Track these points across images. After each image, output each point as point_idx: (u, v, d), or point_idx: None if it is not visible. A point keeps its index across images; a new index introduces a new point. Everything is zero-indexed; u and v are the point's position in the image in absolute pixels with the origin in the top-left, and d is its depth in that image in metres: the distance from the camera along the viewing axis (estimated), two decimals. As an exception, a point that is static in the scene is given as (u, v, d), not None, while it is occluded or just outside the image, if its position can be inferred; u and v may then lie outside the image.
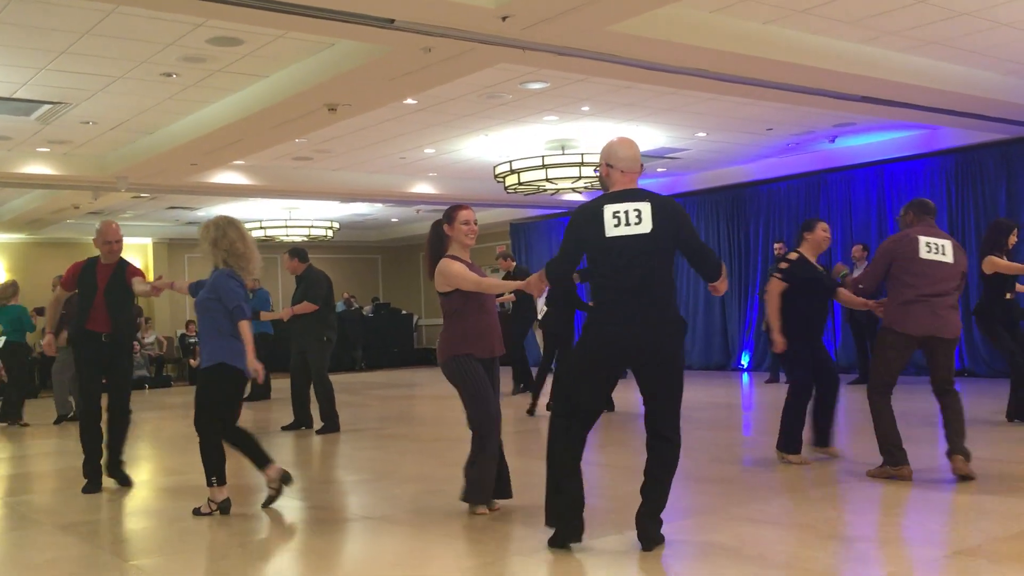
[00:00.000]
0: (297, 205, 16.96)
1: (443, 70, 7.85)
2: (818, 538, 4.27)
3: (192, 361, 17.11)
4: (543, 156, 12.12)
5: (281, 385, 12.83)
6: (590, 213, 4.01)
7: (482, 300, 4.84)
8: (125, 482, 6.26)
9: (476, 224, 4.92)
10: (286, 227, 17.79)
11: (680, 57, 7.72)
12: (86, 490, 6.08)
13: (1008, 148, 11.75)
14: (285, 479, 5.30)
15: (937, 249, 5.47)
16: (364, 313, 20.73)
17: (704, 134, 12.01)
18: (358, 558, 4.44)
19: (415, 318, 22.16)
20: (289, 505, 5.50)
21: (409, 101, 9.61)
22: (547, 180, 12.16)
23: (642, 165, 4.19)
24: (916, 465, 5.64)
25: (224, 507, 5.18)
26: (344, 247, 21.90)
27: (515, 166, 12.28)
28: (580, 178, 12.12)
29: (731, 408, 10.38)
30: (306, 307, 8.84)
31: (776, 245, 12.60)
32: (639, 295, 3.91)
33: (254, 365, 5.13)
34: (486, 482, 4.85)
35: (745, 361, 14.86)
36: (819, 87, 8.90)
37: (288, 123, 9.57)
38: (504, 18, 6.45)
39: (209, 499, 5.19)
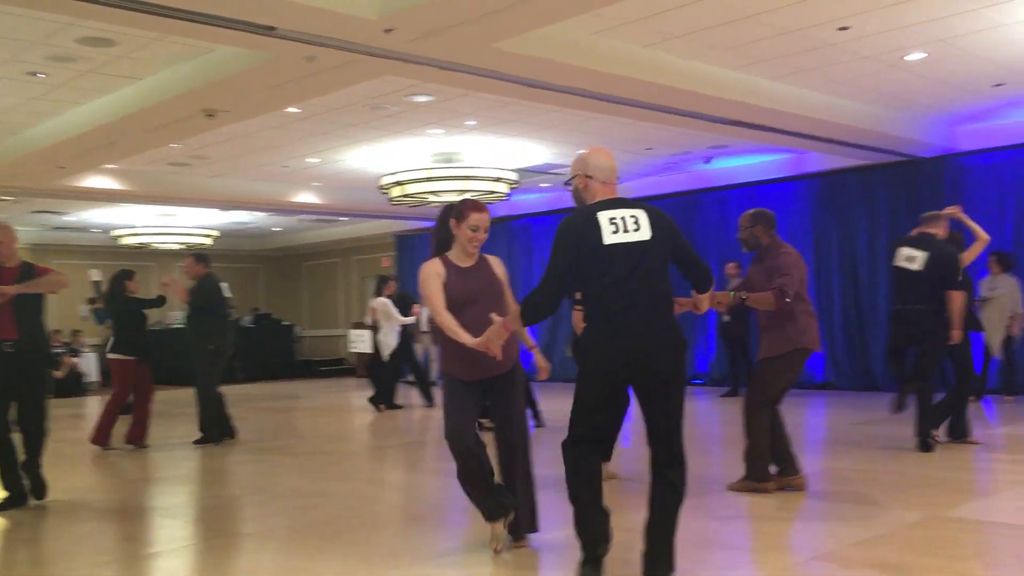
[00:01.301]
0: (174, 212, 16.43)
1: (327, 80, 7.77)
2: (684, 547, 4.41)
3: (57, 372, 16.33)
4: (428, 169, 12.14)
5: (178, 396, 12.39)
6: (583, 220, 3.69)
7: (471, 318, 4.15)
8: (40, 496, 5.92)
9: (487, 232, 4.29)
10: (161, 234, 17.23)
11: (562, 76, 7.88)
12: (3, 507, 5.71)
13: (870, 173, 12.44)
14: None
15: None
16: (243, 324, 20.21)
17: (586, 151, 12.25)
18: (234, 574, 4.35)
19: (296, 329, 21.77)
20: (162, 523, 5.33)
21: (292, 109, 9.47)
22: (432, 193, 12.18)
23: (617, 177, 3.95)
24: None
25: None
26: (224, 256, 21.30)
27: (400, 178, 12.26)
28: (465, 191, 12.19)
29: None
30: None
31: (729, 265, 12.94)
32: (644, 305, 3.63)
33: None
34: (474, 498, 4.30)
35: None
36: (695, 110, 9.23)
37: (163, 128, 9.29)
38: (388, 31, 6.45)
39: None
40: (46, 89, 8.53)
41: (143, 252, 19.24)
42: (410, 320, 11.59)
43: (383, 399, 11.72)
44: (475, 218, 4.25)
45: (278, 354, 20.46)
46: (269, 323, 20.83)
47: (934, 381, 7.10)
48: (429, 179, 12.04)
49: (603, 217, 3.68)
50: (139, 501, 6.25)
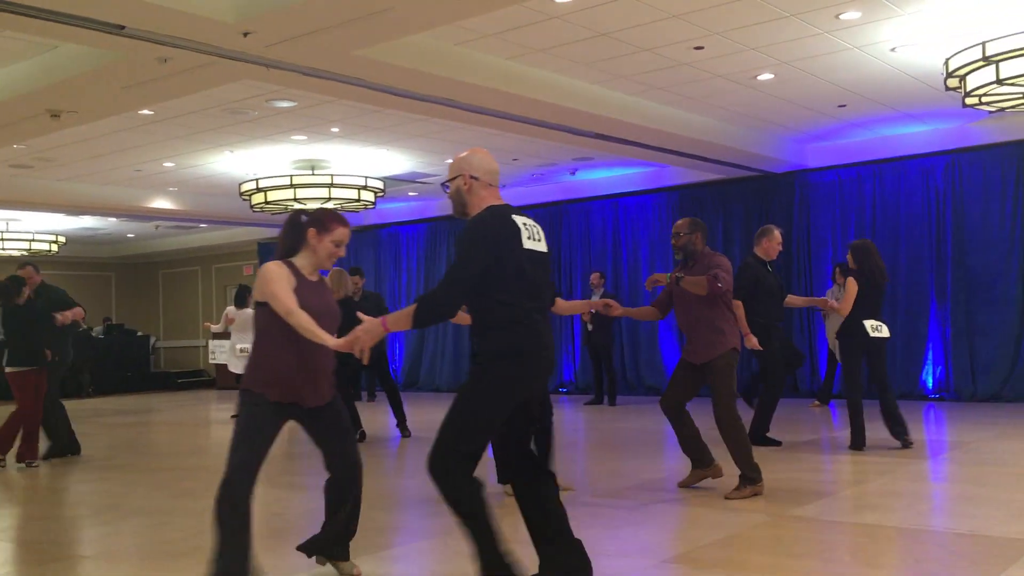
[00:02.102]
0: (17, 216, 15.50)
1: (182, 82, 7.51)
2: (532, 551, 4.45)
3: None
4: (291, 175, 11.89)
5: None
6: (501, 221, 3.48)
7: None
8: None
9: (345, 250, 3.94)
10: (2, 239, 16.23)
11: (427, 85, 7.87)
12: None
13: (726, 187, 12.95)
14: None
15: None
16: (94, 334, 19.24)
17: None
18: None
19: (152, 340, 20.89)
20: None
21: (145, 112, 9.10)
22: (295, 200, 11.94)
23: None
24: (641, 478, 6.05)
25: None
26: (73, 263, 20.24)
27: (262, 184, 11.97)
28: (330, 199, 12.00)
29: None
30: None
31: None
32: (544, 317, 3.56)
33: None
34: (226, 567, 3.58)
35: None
36: (558, 122, 9.39)
37: (4, 127, 8.76)
38: (246, 34, 6.29)
39: None
40: None
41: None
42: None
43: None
44: (340, 232, 3.87)
45: (132, 366, 19.58)
46: (122, 333, 19.90)
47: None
48: (292, 186, 11.81)
49: (519, 220, 3.51)
50: (-30, 526, 5.84)
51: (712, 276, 5.60)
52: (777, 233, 7.67)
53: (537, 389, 3.75)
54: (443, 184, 3.76)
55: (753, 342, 7.20)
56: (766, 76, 8.71)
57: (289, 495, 6.41)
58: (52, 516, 6.15)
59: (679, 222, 5.93)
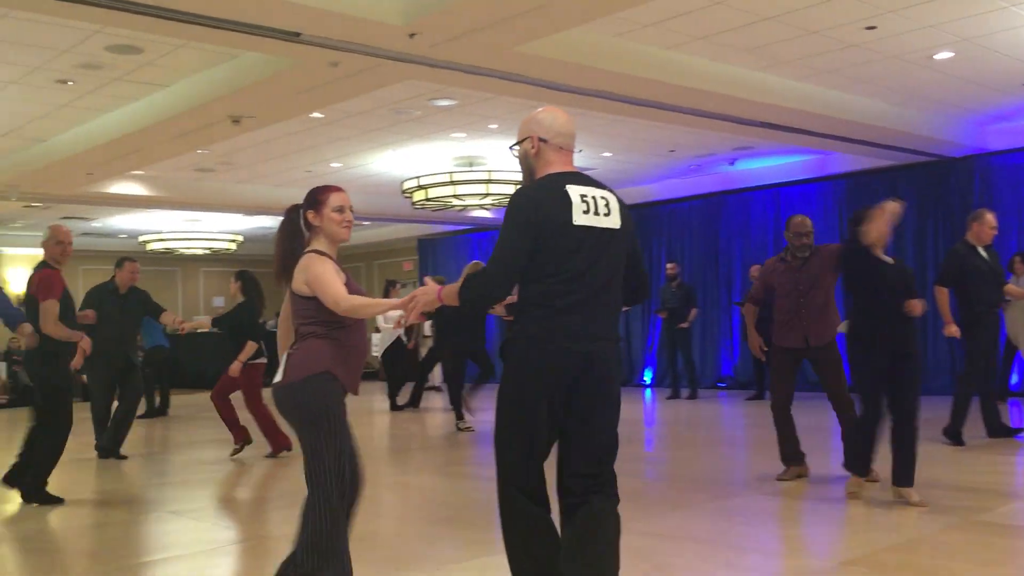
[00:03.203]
0: (199, 217, 16.57)
1: (350, 85, 7.81)
2: (712, 550, 4.39)
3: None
4: (451, 172, 12.16)
5: (176, 401, 12.54)
6: (547, 193, 3.06)
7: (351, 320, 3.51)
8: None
9: (352, 212, 3.67)
10: (187, 239, 17.38)
11: (585, 79, 7.86)
12: None
13: (895, 174, 12.32)
14: None
15: None
16: (268, 328, 20.32)
17: (610, 154, 12.24)
18: (256, 579, 4.36)
19: (320, 333, 21.86)
20: (186, 526, 5.36)
21: (316, 115, 9.53)
22: (455, 196, 12.21)
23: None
24: (808, 476, 5.87)
25: None
26: (249, 261, 21.42)
27: (423, 182, 12.29)
28: (488, 195, 12.20)
29: (634, 423, 10.56)
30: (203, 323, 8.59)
31: (668, 265, 12.94)
32: (598, 304, 3.06)
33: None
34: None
35: (648, 377, 15.14)
36: (719, 112, 9.19)
37: (189, 134, 9.37)
38: (412, 35, 6.47)
39: None
40: (75, 96, 8.63)
41: (168, 257, 19.41)
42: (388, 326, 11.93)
43: (394, 401, 11.97)
44: (335, 198, 3.58)
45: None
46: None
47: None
48: (452, 183, 12.07)
49: (573, 192, 3.05)
50: (160, 502, 6.29)
51: None
52: (989, 217, 7.35)
53: (572, 387, 3.06)
54: (512, 146, 3.32)
55: (952, 331, 6.93)
56: (944, 55, 8.22)
57: (455, 484, 6.56)
58: (240, 498, 6.54)
59: (807, 220, 6.07)
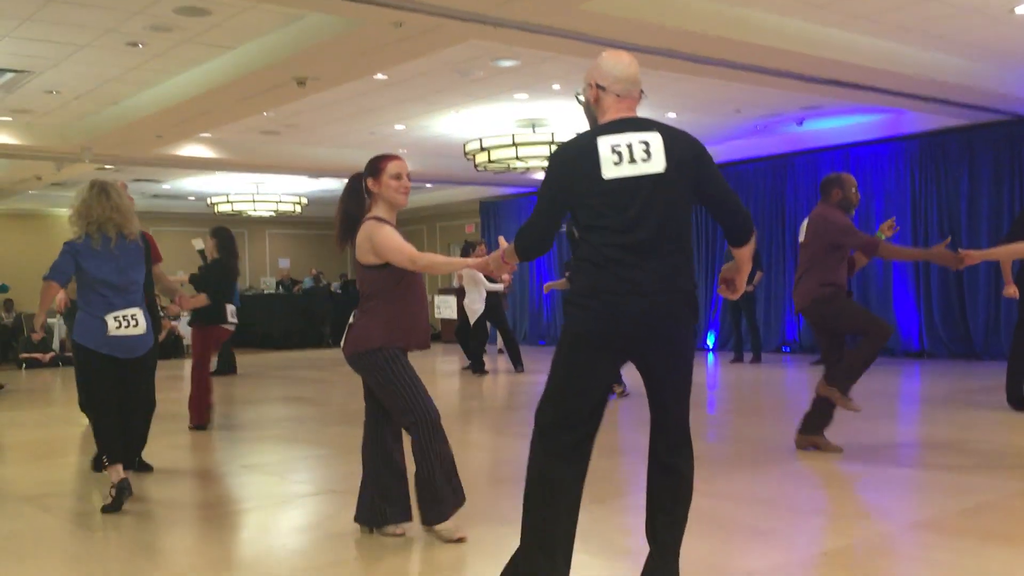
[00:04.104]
0: (264, 179, 16.82)
1: (414, 45, 7.81)
2: (777, 512, 4.37)
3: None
4: (513, 134, 12.11)
5: (244, 360, 12.87)
6: (576, 149, 2.98)
7: (414, 281, 3.97)
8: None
9: (409, 179, 4.03)
10: (253, 201, 17.66)
11: (649, 36, 7.74)
12: None
13: (971, 133, 11.93)
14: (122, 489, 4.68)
15: None
16: (332, 290, 20.65)
17: (674, 115, 12.06)
18: (327, 528, 4.47)
19: (383, 295, 22.08)
20: (259, 479, 5.51)
21: (379, 76, 9.56)
22: (517, 158, 12.17)
23: (642, 91, 3.12)
24: (874, 440, 5.78)
25: (121, 489, 4.65)
26: (312, 223, 21.77)
27: (485, 144, 12.28)
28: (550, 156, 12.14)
29: (696, 387, 10.50)
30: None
31: None
32: (649, 256, 2.89)
33: (40, 321, 5.08)
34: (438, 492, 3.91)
35: (711, 341, 15.02)
36: (787, 69, 8.97)
37: (256, 96, 9.48)
38: (476, -7, 6.43)
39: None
40: (145, 59, 8.79)
41: (236, 219, 19.78)
42: (497, 286, 11.63)
43: (474, 364, 11.89)
44: (393, 165, 3.96)
45: (366, 320, 20.83)
46: (356, 289, 21.23)
47: None
48: (514, 144, 12.02)
49: (603, 144, 2.93)
50: (233, 459, 6.47)
51: None
52: None
53: (634, 345, 2.95)
54: (576, 94, 3.24)
55: (1011, 291, 6.70)
56: (1026, 8, 7.90)
57: (517, 444, 6.63)
58: (308, 456, 6.70)
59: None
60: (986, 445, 5.88)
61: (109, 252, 4.89)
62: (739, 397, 9.43)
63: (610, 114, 3.03)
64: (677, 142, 2.97)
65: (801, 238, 5.74)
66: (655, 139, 2.93)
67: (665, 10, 7.37)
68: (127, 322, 4.88)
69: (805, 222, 5.81)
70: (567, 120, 12.14)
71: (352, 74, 8.94)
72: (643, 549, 3.06)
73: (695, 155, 2.98)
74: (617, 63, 3.05)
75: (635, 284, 2.86)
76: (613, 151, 2.91)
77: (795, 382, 10.39)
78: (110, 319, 4.83)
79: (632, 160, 2.90)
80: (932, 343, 12.43)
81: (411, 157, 14.86)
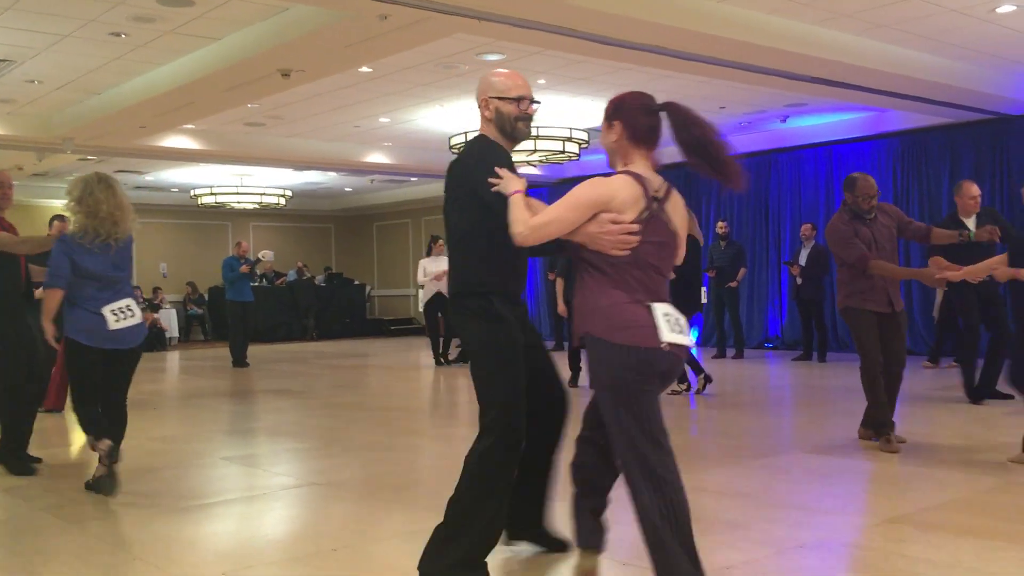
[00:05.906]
0: (249, 172, 16.75)
1: (399, 38, 7.80)
2: (755, 506, 4.41)
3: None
4: (498, 128, 12.10)
5: (226, 353, 12.80)
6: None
7: None
8: None
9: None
10: (237, 193, 17.59)
11: (635, 32, 7.76)
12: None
13: (953, 132, 12.02)
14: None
15: None
16: (316, 282, 20.61)
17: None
18: (308, 520, 4.48)
19: (368, 288, 22.08)
20: (239, 471, 5.51)
21: (364, 69, 9.54)
22: (502, 152, 12.15)
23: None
24: (851, 437, 5.85)
25: (110, 451, 4.74)
26: (297, 215, 21.70)
27: (470, 137, 12.25)
28: (535, 151, 12.15)
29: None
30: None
31: (719, 224, 12.80)
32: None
33: (48, 329, 4.88)
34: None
35: (694, 336, 15.08)
36: (772, 67, 9.02)
37: (240, 87, 9.45)
38: (461, -13, 6.43)
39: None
40: (128, 49, 8.74)
41: (219, 211, 19.69)
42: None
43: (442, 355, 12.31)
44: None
45: (350, 313, 20.83)
46: (341, 282, 21.19)
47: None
48: (500, 138, 12.01)
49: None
50: (214, 451, 6.47)
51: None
52: None
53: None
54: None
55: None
56: (1006, 8, 7.96)
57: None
58: (288, 448, 6.70)
59: (873, 181, 5.74)
60: (961, 441, 5.94)
61: (106, 247, 4.89)
62: (721, 392, 9.48)
63: None
64: (451, 166, 3.39)
65: None
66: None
67: (649, 6, 7.40)
68: (124, 314, 4.90)
69: None
70: (552, 114, 12.15)
71: (337, 66, 8.92)
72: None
73: (451, 176, 3.42)
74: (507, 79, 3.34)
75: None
76: None
77: (778, 378, 10.46)
78: (108, 313, 4.84)
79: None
80: (912, 340, 12.50)
81: (396, 150, 14.86)
